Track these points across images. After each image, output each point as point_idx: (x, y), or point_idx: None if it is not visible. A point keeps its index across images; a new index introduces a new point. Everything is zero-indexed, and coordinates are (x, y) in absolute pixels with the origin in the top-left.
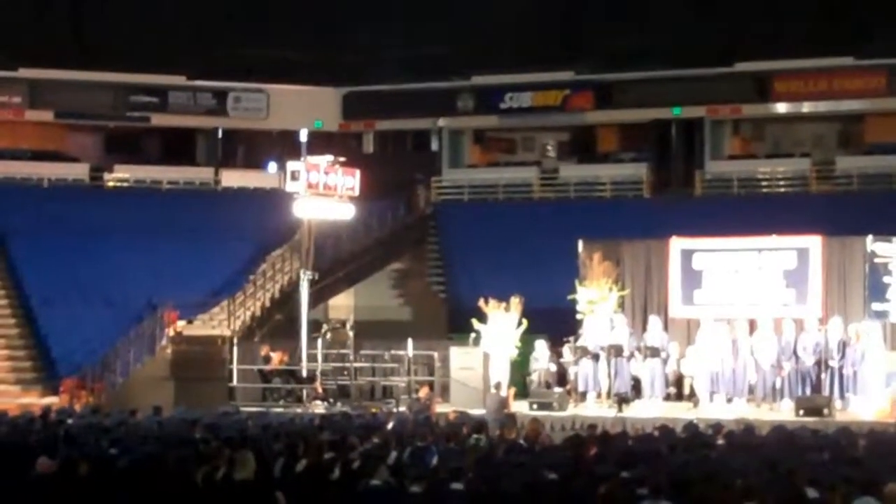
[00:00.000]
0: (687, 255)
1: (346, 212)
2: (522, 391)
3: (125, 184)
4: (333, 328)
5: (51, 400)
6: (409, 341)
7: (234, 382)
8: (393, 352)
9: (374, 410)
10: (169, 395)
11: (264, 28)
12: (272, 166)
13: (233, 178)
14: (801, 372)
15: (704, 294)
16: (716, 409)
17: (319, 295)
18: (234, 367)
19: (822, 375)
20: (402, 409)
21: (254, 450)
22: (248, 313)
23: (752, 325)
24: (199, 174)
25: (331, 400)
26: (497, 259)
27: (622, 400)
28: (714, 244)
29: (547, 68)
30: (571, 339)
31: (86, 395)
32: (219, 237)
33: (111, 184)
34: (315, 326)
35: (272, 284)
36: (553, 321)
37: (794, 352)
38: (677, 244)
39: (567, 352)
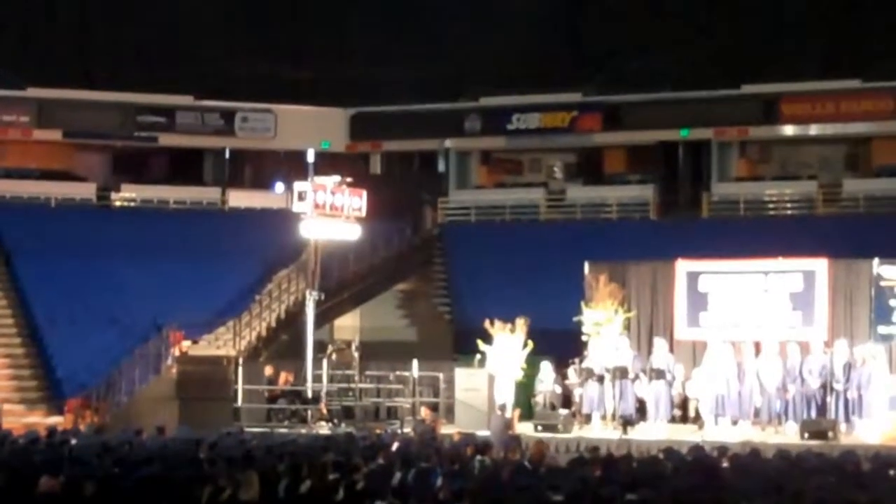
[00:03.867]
0: (693, 277)
1: (352, 232)
2: (527, 413)
3: (132, 203)
4: (339, 349)
5: (56, 419)
6: (415, 362)
7: (239, 403)
8: (398, 373)
9: (378, 431)
10: (174, 415)
11: (272, 48)
12: (279, 186)
13: (240, 198)
14: (806, 395)
15: (710, 316)
16: (721, 431)
17: (325, 315)
18: (240, 387)
19: (828, 398)
20: (407, 430)
21: (258, 470)
22: (254, 333)
23: (758, 348)
24: (206, 194)
25: (335, 421)
26: (503, 280)
27: (627, 422)
28: (720, 266)
29: (554, 90)
30: (577, 360)
31: (91, 414)
32: (225, 257)
33: (118, 203)
34: (320, 347)
35: (278, 305)
36: (558, 343)
37: (800, 374)
38: (683, 266)
39: (572, 373)
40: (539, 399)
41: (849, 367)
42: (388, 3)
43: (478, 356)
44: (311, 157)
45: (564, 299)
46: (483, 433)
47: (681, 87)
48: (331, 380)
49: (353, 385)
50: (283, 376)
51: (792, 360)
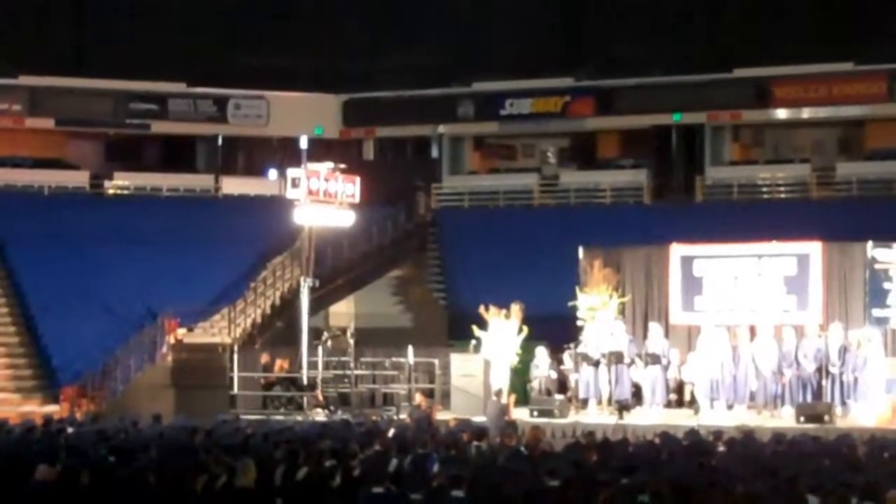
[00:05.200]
0: (687, 261)
1: (346, 219)
2: (523, 398)
3: (125, 191)
4: (334, 335)
5: (51, 408)
6: (410, 348)
7: (235, 390)
8: (393, 359)
9: (374, 418)
10: (169, 403)
11: (264, 35)
12: (272, 173)
13: (233, 186)
14: (801, 378)
15: (705, 300)
16: (717, 415)
17: (320, 302)
18: (235, 374)
19: (823, 382)
20: (403, 416)
21: (254, 458)
22: (249, 321)
23: (753, 332)
24: (199, 181)
25: (331, 407)
26: (497, 266)
27: (623, 407)
28: (714, 250)
29: (547, 75)
30: (572, 345)
31: (86, 403)
32: (219, 244)
33: (111, 191)
34: (315, 334)
35: (273, 292)
36: (553, 328)
37: (795, 358)
38: (678, 250)
39: (568, 359)
40: (535, 384)
41: (844, 351)
42: None
43: (473, 342)
44: (304, 143)
45: (559, 284)
46: (479, 419)
47: (673, 71)
48: (326, 367)
49: (348, 372)
50: (278, 363)
51: (787, 343)
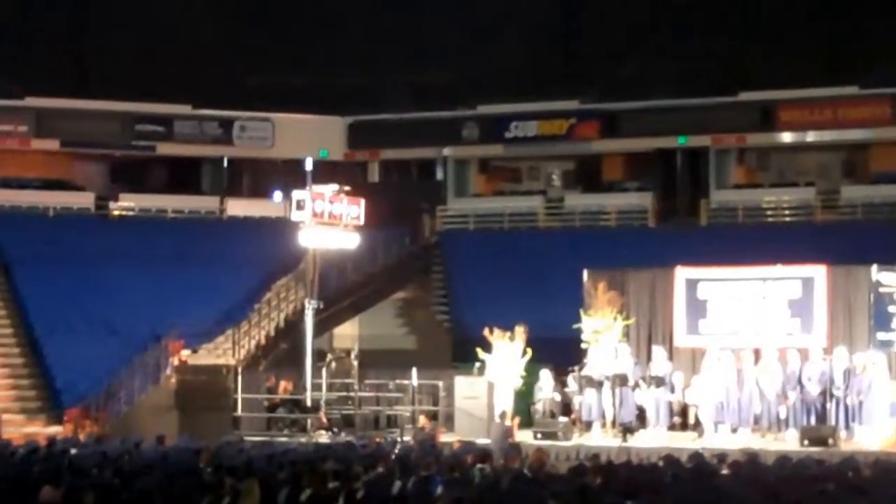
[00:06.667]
0: (692, 284)
1: (351, 241)
2: (527, 420)
3: (131, 212)
4: (338, 357)
5: (55, 429)
6: (414, 371)
7: (239, 412)
8: (397, 381)
9: (378, 440)
10: (173, 424)
11: (270, 57)
12: (278, 195)
13: (238, 207)
14: (806, 402)
15: (709, 323)
16: (721, 438)
17: (324, 324)
18: (239, 396)
19: (828, 405)
20: (407, 438)
21: (258, 479)
22: (253, 342)
23: (757, 355)
24: (204, 203)
25: (335, 429)
26: (502, 288)
27: (627, 429)
28: (719, 273)
29: (552, 97)
30: (576, 368)
31: (90, 424)
32: (224, 266)
33: (117, 212)
34: (320, 356)
35: (277, 313)
36: (558, 350)
37: (800, 381)
38: (682, 273)
39: (572, 381)
40: (539, 407)
41: (848, 374)
42: (386, 11)
43: (477, 364)
44: (309, 165)
45: (563, 307)
46: (483, 441)
47: (678, 94)
48: (330, 388)
49: (352, 394)
50: (282, 385)
51: (791, 366)
